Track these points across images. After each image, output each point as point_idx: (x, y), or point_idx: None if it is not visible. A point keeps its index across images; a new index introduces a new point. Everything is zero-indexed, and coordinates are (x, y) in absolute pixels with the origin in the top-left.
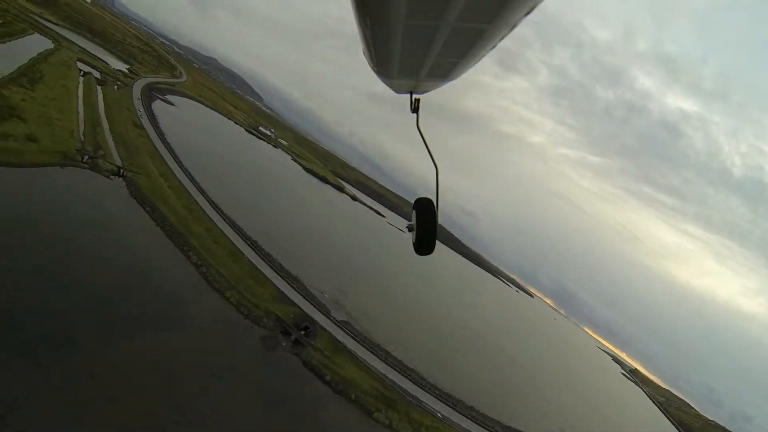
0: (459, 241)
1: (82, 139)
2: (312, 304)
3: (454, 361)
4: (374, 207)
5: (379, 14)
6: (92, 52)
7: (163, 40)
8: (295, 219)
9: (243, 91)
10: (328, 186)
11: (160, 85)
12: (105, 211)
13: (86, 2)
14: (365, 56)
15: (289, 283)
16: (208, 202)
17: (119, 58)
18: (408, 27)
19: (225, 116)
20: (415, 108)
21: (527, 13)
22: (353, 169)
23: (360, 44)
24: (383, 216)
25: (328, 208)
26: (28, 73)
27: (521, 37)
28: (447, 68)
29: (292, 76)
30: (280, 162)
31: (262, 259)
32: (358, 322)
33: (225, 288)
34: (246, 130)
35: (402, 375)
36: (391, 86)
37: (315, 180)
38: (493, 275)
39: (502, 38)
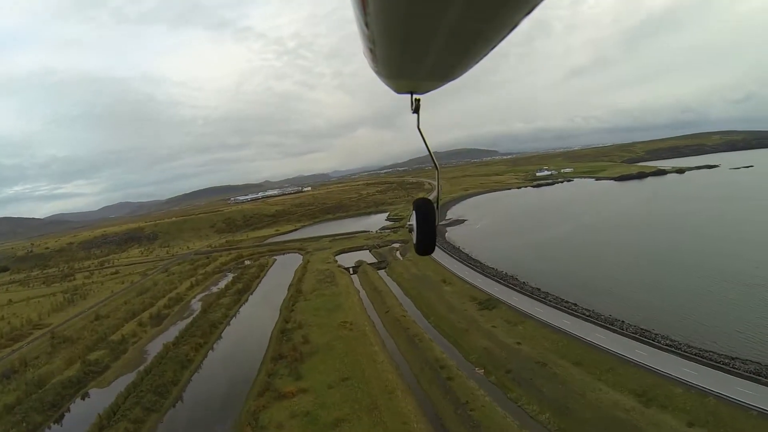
0: None
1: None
2: None
3: None
4: None
5: (380, 14)
6: (340, 233)
7: (386, 171)
8: None
9: (478, 156)
10: None
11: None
12: None
13: (307, 191)
14: (365, 57)
15: None
16: None
17: (369, 214)
18: (408, 27)
19: (501, 189)
20: (415, 108)
21: (527, 13)
22: None
23: (361, 45)
24: None
25: None
26: (287, 330)
27: None
28: (447, 68)
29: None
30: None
31: None
32: None
33: None
34: (527, 186)
35: None
36: (391, 86)
37: None
38: None
39: (503, 38)
